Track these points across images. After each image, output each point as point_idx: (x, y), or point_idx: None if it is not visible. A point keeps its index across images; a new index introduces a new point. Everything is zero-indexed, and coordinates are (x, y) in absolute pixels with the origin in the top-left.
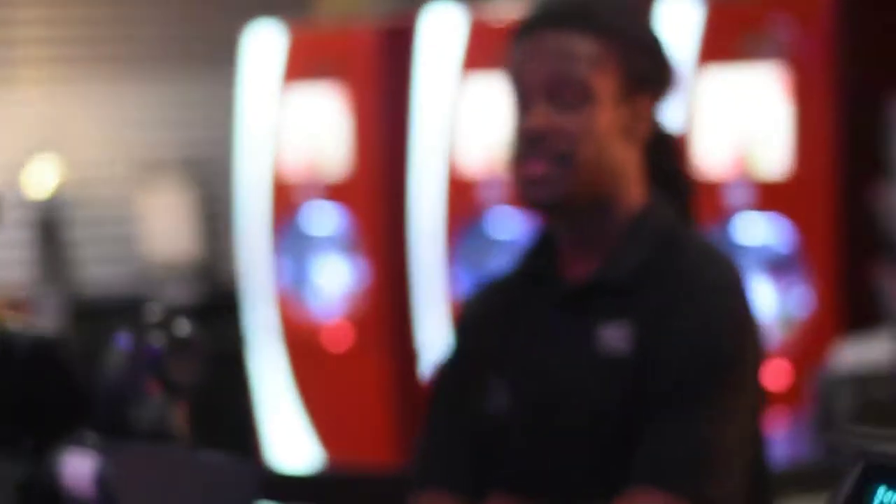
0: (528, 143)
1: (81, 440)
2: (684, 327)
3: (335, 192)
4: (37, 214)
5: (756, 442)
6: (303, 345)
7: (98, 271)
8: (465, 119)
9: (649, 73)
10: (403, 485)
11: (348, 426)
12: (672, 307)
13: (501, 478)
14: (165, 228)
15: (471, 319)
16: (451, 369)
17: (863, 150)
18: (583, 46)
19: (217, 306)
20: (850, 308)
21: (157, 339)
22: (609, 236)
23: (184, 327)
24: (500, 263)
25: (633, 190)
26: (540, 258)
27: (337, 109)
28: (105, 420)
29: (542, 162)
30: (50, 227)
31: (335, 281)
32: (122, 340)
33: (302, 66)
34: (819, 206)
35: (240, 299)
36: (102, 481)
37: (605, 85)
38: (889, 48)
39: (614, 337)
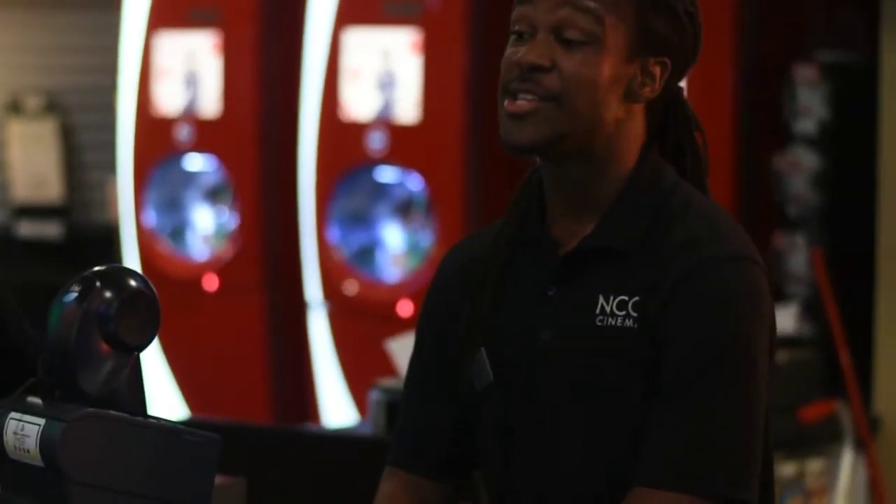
0: (521, 76)
1: (25, 403)
2: (695, 305)
3: (207, 133)
4: None
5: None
6: (172, 286)
7: None
8: (343, 67)
9: (667, 37)
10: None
11: (215, 376)
12: (680, 282)
13: (490, 454)
14: (30, 163)
15: (447, 282)
16: (428, 339)
17: (764, 118)
18: None
19: (79, 243)
20: None
21: (106, 295)
22: (603, 198)
23: (134, 282)
24: (372, 209)
25: (628, 151)
26: (527, 218)
27: (212, 50)
28: (51, 382)
29: (531, 98)
30: None
31: (206, 222)
32: (68, 297)
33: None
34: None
35: (104, 237)
36: (49, 447)
37: (615, 34)
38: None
39: (614, 307)
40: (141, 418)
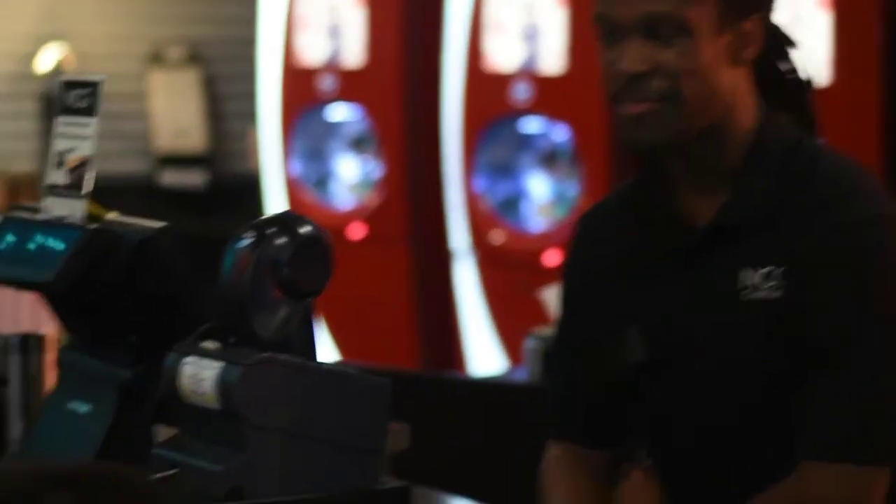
0: (626, 85)
1: (199, 348)
2: (840, 272)
3: (352, 83)
4: (42, 90)
5: None
6: None
7: (105, 153)
8: (487, 19)
9: None
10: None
11: (361, 325)
12: (823, 248)
13: (641, 428)
14: (172, 113)
15: (585, 253)
16: (572, 311)
17: None
18: None
19: (221, 192)
20: None
21: (279, 242)
22: (727, 166)
23: (308, 228)
24: (517, 159)
25: (745, 113)
26: (657, 195)
27: (355, 1)
28: (225, 328)
29: (644, 102)
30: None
31: (350, 171)
32: (241, 243)
33: None
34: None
35: (246, 186)
36: (227, 390)
37: (702, 16)
38: None
39: (759, 279)
40: (314, 363)
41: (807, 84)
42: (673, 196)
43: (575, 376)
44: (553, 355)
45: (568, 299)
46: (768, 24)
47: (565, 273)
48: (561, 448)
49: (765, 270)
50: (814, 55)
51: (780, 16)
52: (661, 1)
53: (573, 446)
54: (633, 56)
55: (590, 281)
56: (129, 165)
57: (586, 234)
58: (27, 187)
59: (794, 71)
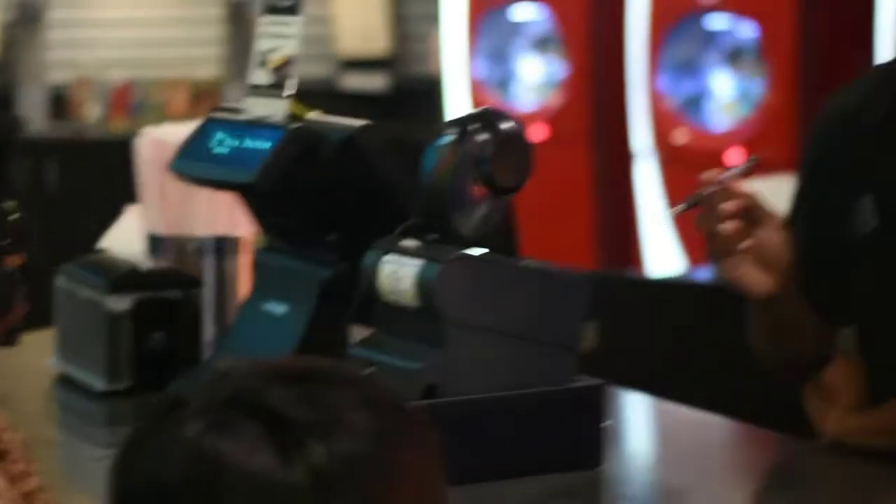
0: None
1: (399, 245)
2: None
3: None
4: None
5: None
6: None
7: None
8: None
9: None
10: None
11: (543, 225)
12: None
13: (868, 302)
14: (354, 16)
15: (829, 132)
16: (808, 189)
17: None
18: None
19: (405, 95)
20: None
21: (482, 138)
22: None
23: (509, 124)
24: (702, 57)
25: None
26: None
27: None
28: (426, 225)
29: None
30: (240, 7)
31: (533, 72)
32: (443, 140)
33: None
34: None
35: (431, 90)
36: (426, 288)
37: None
38: None
39: None
40: (513, 260)
41: None
42: None
43: (806, 248)
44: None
45: (808, 174)
46: None
47: (803, 159)
48: None
49: None
50: None
51: None
52: None
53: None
54: None
55: (825, 158)
56: (312, 69)
57: (834, 105)
58: (211, 93)
59: None
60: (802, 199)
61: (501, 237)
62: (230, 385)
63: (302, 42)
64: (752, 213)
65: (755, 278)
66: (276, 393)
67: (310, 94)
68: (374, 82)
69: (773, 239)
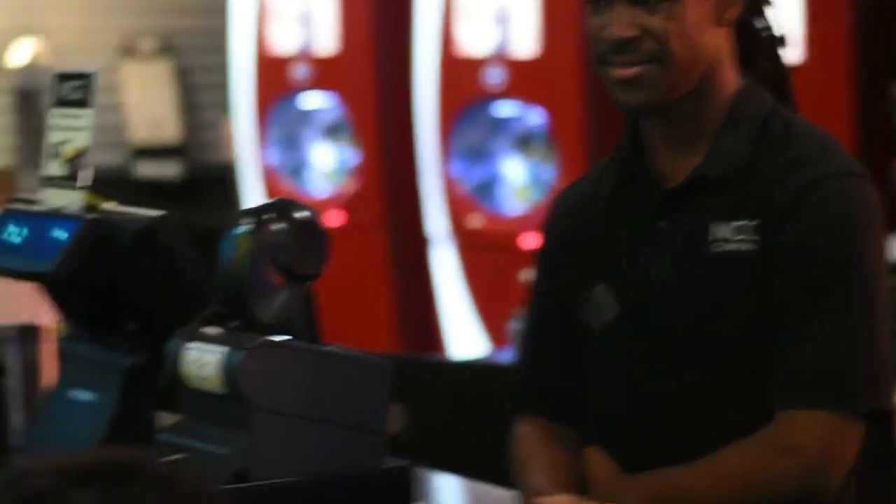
0: (615, 48)
1: (201, 333)
2: (816, 221)
3: (325, 71)
4: (16, 84)
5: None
6: None
7: None
8: (458, 3)
9: None
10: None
11: (340, 312)
12: (799, 198)
13: (606, 391)
14: (145, 104)
15: (559, 225)
16: (545, 283)
17: (883, 45)
18: None
19: (197, 182)
20: None
21: (277, 227)
22: (706, 127)
23: (304, 213)
24: (492, 143)
25: (727, 74)
26: (633, 157)
27: None
28: (226, 313)
29: (633, 66)
30: (29, 96)
31: (326, 159)
32: (239, 229)
33: None
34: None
35: (223, 177)
36: (231, 374)
37: None
38: None
39: (731, 233)
40: (316, 345)
41: (780, 40)
42: (649, 159)
43: (547, 346)
44: (525, 329)
45: (542, 271)
46: None
47: (539, 249)
48: (530, 424)
49: (737, 224)
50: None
51: None
52: None
53: (541, 421)
54: (622, 21)
55: (563, 250)
56: (104, 157)
57: (560, 206)
58: (4, 182)
59: (769, 28)
60: (539, 293)
61: (303, 323)
62: (28, 487)
63: (93, 131)
64: None
65: None
66: (73, 497)
67: (103, 182)
68: (167, 170)
69: None
